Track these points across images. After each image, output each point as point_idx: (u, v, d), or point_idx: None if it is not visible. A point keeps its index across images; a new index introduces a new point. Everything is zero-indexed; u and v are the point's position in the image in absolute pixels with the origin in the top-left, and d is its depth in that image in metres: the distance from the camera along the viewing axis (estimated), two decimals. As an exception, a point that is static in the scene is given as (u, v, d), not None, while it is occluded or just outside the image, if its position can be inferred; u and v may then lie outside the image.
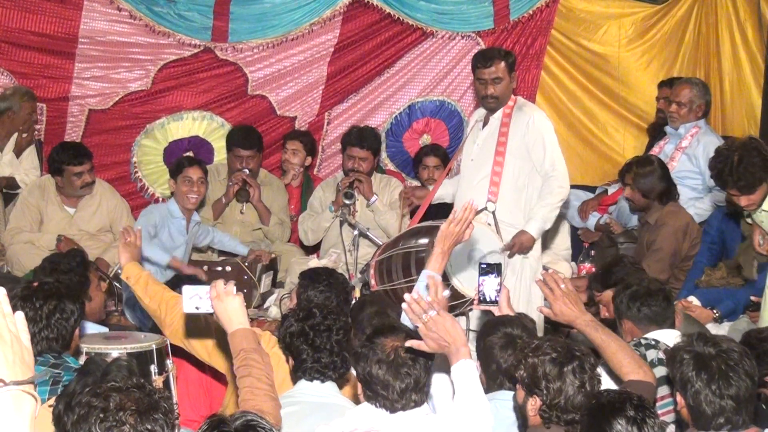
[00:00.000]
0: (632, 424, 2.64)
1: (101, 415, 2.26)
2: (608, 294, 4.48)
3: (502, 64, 5.22)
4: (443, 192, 5.57)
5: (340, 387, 3.48)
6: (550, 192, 5.18)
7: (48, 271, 4.67)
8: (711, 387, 2.88)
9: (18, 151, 6.78)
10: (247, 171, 6.48)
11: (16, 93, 6.79)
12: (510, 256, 5.12)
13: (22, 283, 3.88)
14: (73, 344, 3.64)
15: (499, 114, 5.29)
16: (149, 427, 2.26)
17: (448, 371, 3.03)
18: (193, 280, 4.59)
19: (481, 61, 5.27)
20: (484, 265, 3.92)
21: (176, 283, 4.52)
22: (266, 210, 6.52)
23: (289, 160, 6.88)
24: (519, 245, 5.14)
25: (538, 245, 5.31)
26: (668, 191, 5.66)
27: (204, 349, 3.94)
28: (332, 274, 4.15)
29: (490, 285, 3.84)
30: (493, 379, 3.48)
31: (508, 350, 3.41)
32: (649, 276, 4.61)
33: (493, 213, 5.18)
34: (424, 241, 4.94)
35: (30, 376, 1.80)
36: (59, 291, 3.62)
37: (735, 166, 4.39)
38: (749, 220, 4.82)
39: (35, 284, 3.68)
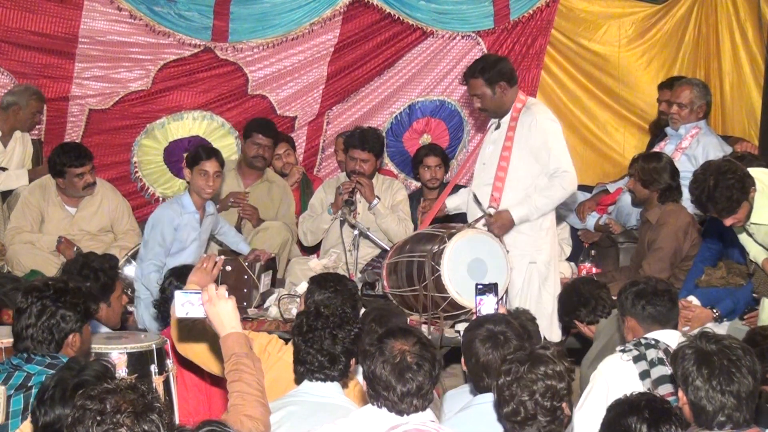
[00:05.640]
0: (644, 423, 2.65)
1: (98, 418, 2.26)
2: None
3: (479, 80, 5.15)
4: (459, 201, 5.51)
5: (344, 388, 3.47)
6: (550, 187, 5.09)
7: (79, 265, 4.61)
8: (711, 382, 2.86)
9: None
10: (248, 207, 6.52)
11: (26, 90, 6.81)
12: (490, 228, 5.05)
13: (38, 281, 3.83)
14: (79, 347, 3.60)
15: (507, 117, 5.23)
16: (146, 428, 2.27)
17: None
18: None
19: (463, 78, 5.30)
20: (481, 286, 3.96)
21: (180, 272, 4.51)
22: (259, 221, 6.52)
23: (288, 162, 6.89)
24: (496, 221, 5.04)
25: (547, 249, 5.21)
26: (670, 189, 5.64)
27: (199, 353, 3.92)
28: (341, 281, 4.08)
29: (489, 303, 3.91)
30: (473, 372, 3.46)
31: (487, 343, 3.40)
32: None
33: None
34: (427, 247, 4.94)
35: None
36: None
37: (711, 191, 4.38)
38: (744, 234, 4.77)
39: (49, 282, 3.63)
